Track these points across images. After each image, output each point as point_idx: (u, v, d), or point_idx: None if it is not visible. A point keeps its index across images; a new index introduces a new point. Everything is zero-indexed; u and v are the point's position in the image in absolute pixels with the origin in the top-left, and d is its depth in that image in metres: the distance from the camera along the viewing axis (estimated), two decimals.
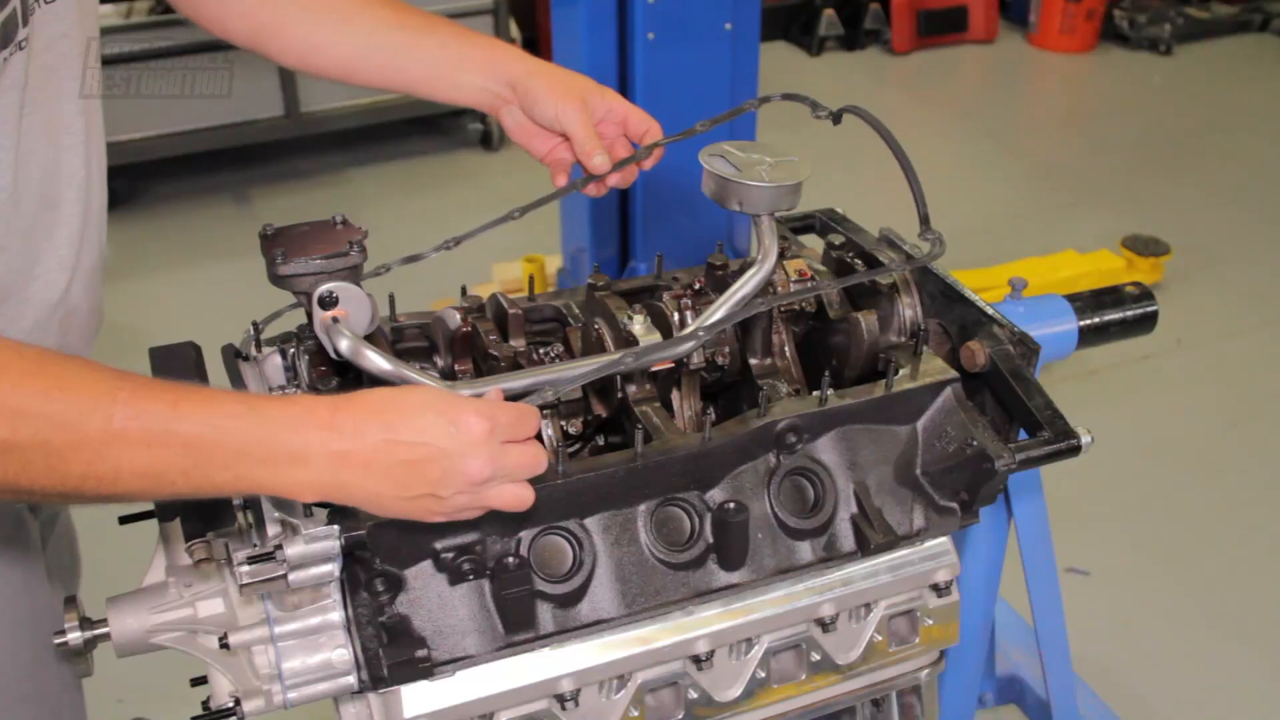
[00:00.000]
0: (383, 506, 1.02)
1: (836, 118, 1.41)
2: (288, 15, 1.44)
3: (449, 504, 1.03)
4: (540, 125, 1.45)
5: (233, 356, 1.34)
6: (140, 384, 0.95)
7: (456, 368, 1.37)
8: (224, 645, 1.15)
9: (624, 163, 1.43)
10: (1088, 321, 1.71)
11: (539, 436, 1.16)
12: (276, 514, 1.13)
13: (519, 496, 1.07)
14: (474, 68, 1.44)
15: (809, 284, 1.40)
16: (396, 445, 0.99)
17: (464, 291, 1.47)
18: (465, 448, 1.00)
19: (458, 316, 1.35)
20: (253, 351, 1.35)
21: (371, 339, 1.22)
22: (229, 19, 1.44)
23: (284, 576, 1.08)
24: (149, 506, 1.25)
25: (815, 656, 1.35)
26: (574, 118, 1.40)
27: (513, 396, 1.14)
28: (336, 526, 1.09)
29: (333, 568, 1.10)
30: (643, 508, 1.23)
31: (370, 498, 1.01)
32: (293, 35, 1.45)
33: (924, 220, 1.36)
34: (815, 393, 1.30)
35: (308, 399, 1.02)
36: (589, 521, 1.22)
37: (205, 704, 1.21)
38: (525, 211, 1.43)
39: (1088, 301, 1.72)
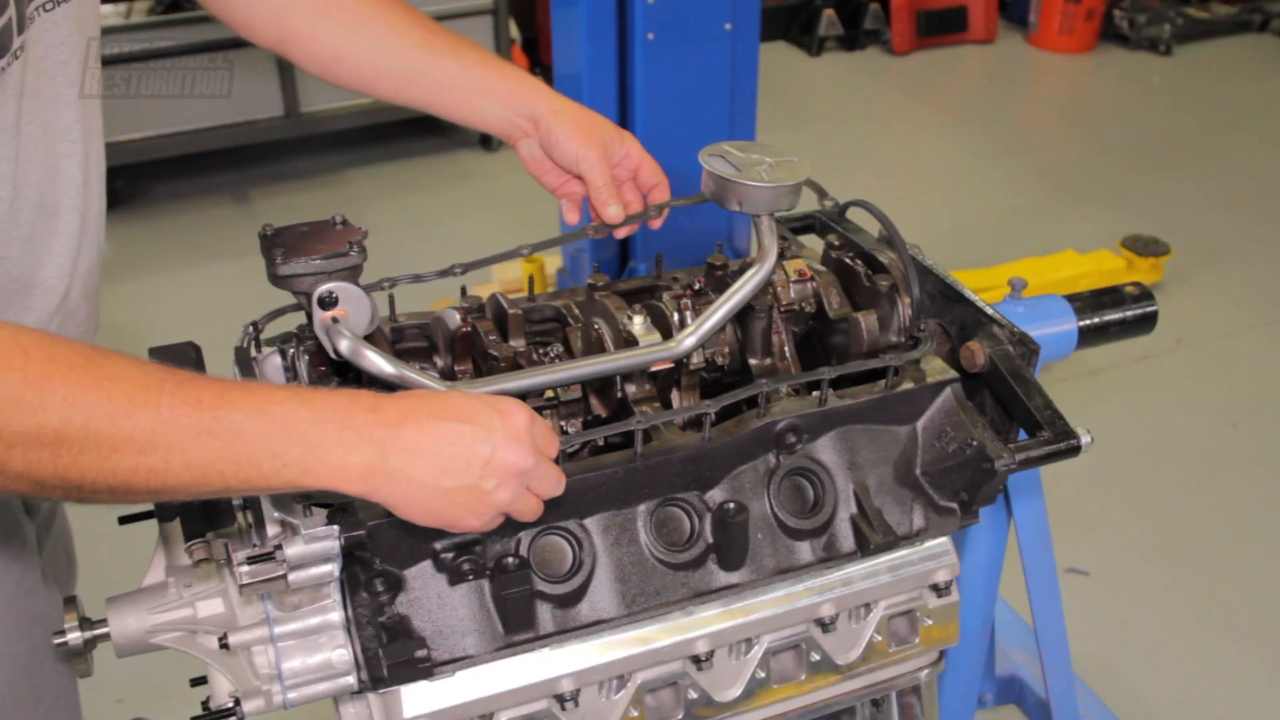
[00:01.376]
0: (424, 500, 1.02)
1: (842, 211, 1.45)
2: (315, 24, 1.44)
3: (492, 499, 1.03)
4: (557, 163, 1.48)
5: (248, 359, 1.34)
6: (186, 376, 0.97)
7: (456, 368, 1.37)
8: (224, 645, 1.15)
9: (633, 218, 1.47)
10: (1087, 321, 1.71)
11: None
12: (276, 514, 1.13)
13: (538, 506, 1.09)
14: (497, 96, 1.46)
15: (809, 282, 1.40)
16: (443, 427, 1.00)
17: (464, 292, 1.47)
18: (510, 432, 1.02)
19: (457, 316, 1.35)
20: (252, 352, 1.35)
21: (371, 339, 1.22)
22: (256, 23, 1.45)
23: (284, 576, 1.08)
24: (149, 506, 1.24)
25: (815, 657, 1.35)
26: (594, 165, 1.43)
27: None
28: (336, 526, 1.09)
29: (332, 568, 1.10)
30: (642, 508, 1.23)
31: (413, 488, 1.00)
32: (319, 45, 1.46)
33: (919, 315, 1.37)
34: (815, 393, 1.30)
35: (352, 390, 1.03)
36: (589, 521, 1.22)
37: (205, 704, 1.21)
38: (534, 250, 1.47)
39: (1087, 301, 1.72)
